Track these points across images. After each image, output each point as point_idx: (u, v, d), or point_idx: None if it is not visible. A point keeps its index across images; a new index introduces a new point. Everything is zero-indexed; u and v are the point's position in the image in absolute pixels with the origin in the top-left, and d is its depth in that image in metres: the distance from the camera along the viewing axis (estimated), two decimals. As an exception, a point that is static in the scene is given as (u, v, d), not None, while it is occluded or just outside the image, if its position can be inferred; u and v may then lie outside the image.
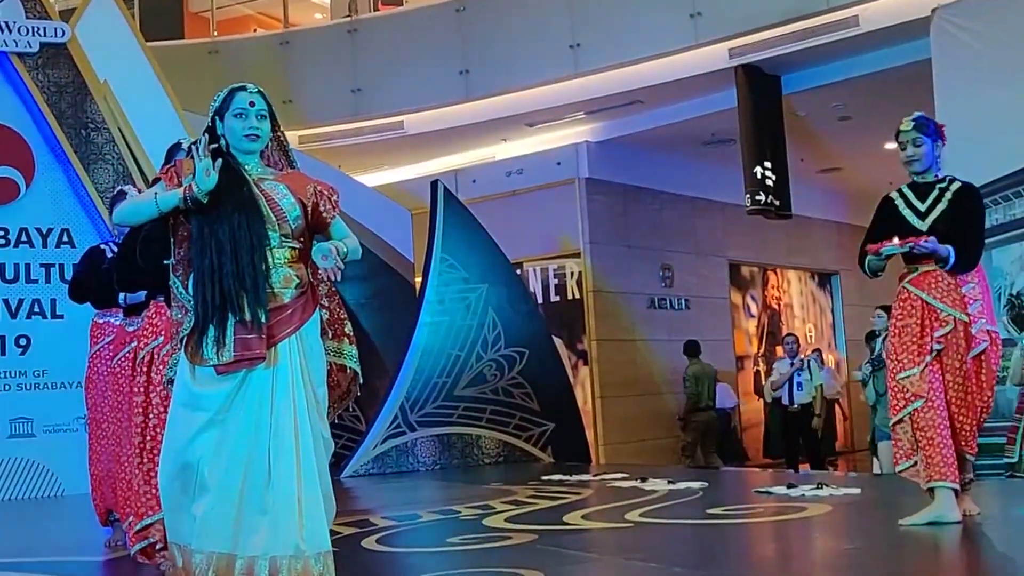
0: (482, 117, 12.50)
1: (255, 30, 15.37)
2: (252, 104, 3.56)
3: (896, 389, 4.90)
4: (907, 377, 4.86)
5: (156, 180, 3.70)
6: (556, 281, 13.10)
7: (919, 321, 4.89)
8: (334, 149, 12.77)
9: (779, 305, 16.19)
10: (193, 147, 3.55)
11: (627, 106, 12.15)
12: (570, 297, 12.93)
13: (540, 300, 12.92)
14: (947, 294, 4.88)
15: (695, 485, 7.04)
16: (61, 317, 9.37)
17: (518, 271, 12.23)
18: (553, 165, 12.94)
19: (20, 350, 9.41)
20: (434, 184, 10.44)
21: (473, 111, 12.50)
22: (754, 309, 15.61)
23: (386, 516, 6.33)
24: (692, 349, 12.36)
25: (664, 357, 12.17)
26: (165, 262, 3.65)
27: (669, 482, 7.20)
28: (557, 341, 11.36)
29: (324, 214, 3.64)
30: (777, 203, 11.35)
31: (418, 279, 10.84)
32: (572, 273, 12.93)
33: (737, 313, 15.18)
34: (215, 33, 14.04)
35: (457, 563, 4.65)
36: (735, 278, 15.19)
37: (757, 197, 11.15)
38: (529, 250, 12.97)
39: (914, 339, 4.90)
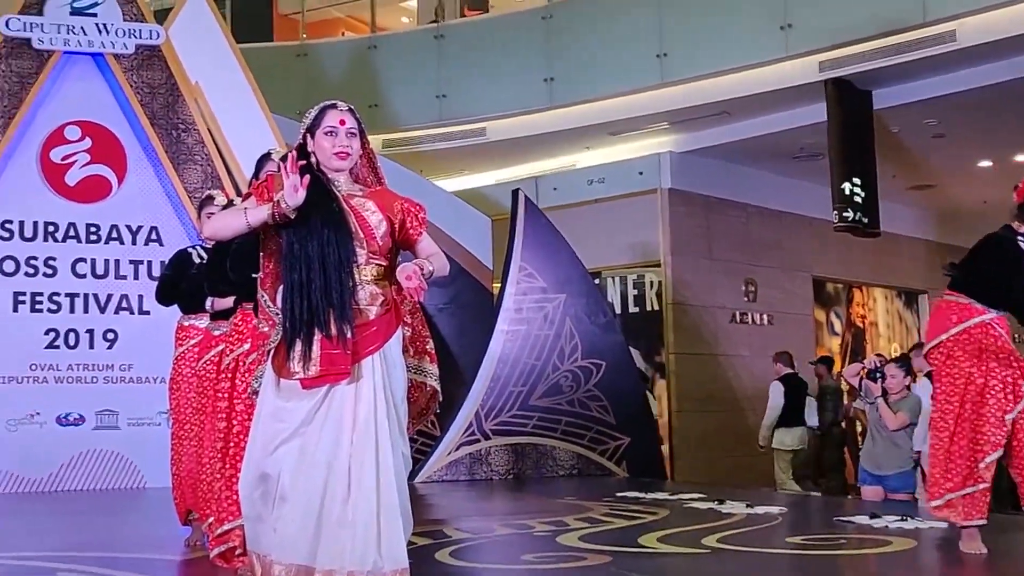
0: (565, 125, 12.45)
1: (343, 33, 15.50)
2: (343, 122, 3.60)
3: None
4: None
5: (247, 195, 3.75)
6: (635, 292, 13.02)
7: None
8: (416, 154, 12.83)
9: (864, 323, 15.92)
10: (282, 163, 3.59)
11: (713, 117, 12.02)
12: (649, 309, 12.83)
13: (618, 311, 12.85)
14: None
15: (774, 510, 6.93)
16: (148, 313, 9.54)
17: (596, 280, 12.18)
18: (635, 174, 12.85)
19: (107, 344, 9.62)
20: (515, 192, 10.45)
21: (556, 119, 12.46)
22: (838, 327, 15.37)
23: (460, 528, 6.33)
24: (829, 362, 12.31)
25: (744, 373, 12.02)
26: (254, 275, 3.71)
27: (748, 505, 7.08)
28: (635, 353, 11.28)
29: (411, 231, 3.66)
30: (865, 220, 11.15)
31: (496, 286, 10.85)
32: (652, 284, 12.84)
33: (821, 331, 14.95)
34: (304, 36, 14.18)
35: (531, 582, 4.64)
36: (819, 295, 14.96)
37: (845, 214, 10.97)
38: (608, 260, 12.90)
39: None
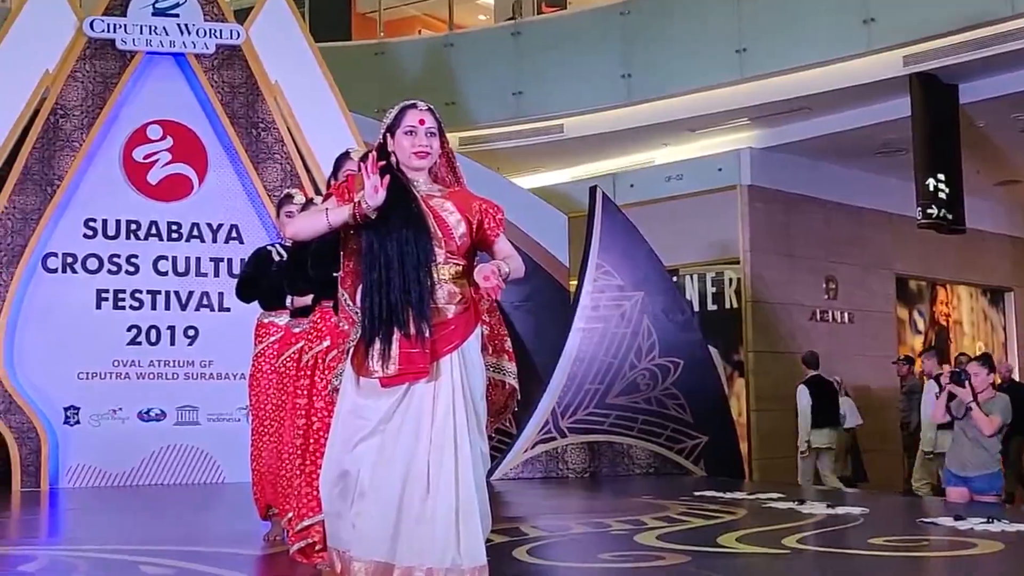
0: (643, 121, 12.37)
1: (420, 31, 15.56)
2: (422, 122, 3.61)
3: None
4: None
5: (328, 195, 3.78)
6: (714, 289, 12.89)
7: None
8: (493, 151, 12.83)
9: (948, 322, 15.59)
10: (362, 163, 3.61)
11: (793, 112, 11.86)
12: (727, 306, 12.70)
13: (696, 308, 12.73)
14: None
15: (855, 511, 6.81)
16: (228, 310, 9.67)
17: (674, 278, 12.08)
18: (714, 171, 12.72)
19: (188, 340, 9.76)
20: (592, 189, 10.41)
21: (634, 115, 12.38)
22: (921, 325, 15.07)
23: (536, 526, 6.31)
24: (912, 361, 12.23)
25: (825, 372, 11.80)
26: (334, 274, 3.74)
27: (828, 506, 6.97)
28: (712, 351, 11.16)
29: (488, 232, 3.67)
30: (950, 217, 10.92)
31: (572, 283, 10.81)
32: (730, 282, 12.70)
33: (903, 329, 14.67)
34: (382, 34, 14.26)
35: (608, 582, 4.61)
36: (902, 292, 14.68)
37: (929, 211, 10.75)
38: (686, 257, 12.79)
39: None
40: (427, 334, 3.43)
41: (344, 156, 4.89)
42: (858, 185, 13.46)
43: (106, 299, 9.65)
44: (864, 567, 5.09)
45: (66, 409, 9.38)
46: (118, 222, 9.74)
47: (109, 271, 9.67)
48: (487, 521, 3.48)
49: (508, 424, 9.14)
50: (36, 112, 9.56)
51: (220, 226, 9.93)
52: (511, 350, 3.87)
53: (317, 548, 4.38)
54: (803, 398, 10.90)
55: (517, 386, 3.85)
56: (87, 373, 9.48)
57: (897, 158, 12.17)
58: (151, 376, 9.63)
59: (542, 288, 10.28)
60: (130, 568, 5.02)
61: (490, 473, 9.00)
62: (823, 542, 5.64)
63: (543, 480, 9.49)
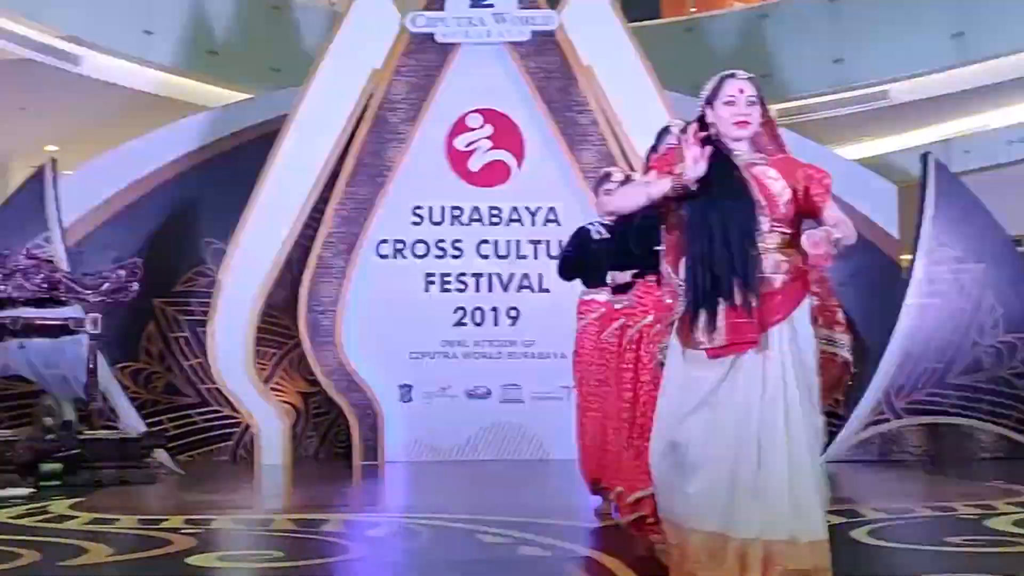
0: (977, 82, 11.63)
1: (732, 4, 15.28)
2: (742, 91, 3.55)
3: None
4: None
5: (648, 169, 3.77)
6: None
7: None
8: (812, 122, 12.42)
9: None
10: (682, 135, 3.57)
11: None
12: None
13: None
14: None
15: None
16: (548, 291, 9.86)
17: (1021, 248, 11.25)
18: (1061, 131, 11.77)
19: (510, 321, 10.04)
20: (924, 156, 9.88)
21: (967, 76, 11.66)
22: None
23: (874, 507, 6.05)
24: None
25: None
26: (656, 248, 3.72)
27: None
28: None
29: (815, 199, 3.54)
30: None
31: (904, 258, 10.30)
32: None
33: None
34: (693, 10, 14.10)
35: (957, 565, 4.35)
36: None
37: None
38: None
39: None
40: (754, 304, 3.37)
41: (664, 130, 4.86)
42: None
43: (433, 282, 10.08)
44: None
45: (400, 387, 9.89)
46: (443, 208, 10.14)
47: (436, 256, 10.09)
48: (825, 495, 3.40)
49: (835, 404, 8.88)
50: (365, 107, 10.09)
51: (538, 209, 10.13)
52: (843, 321, 3.73)
53: (649, 521, 4.39)
54: None
55: (851, 359, 3.69)
56: (418, 353, 9.94)
57: None
58: (477, 356, 9.98)
59: (869, 264, 9.83)
60: (468, 536, 5.22)
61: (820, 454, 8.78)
62: None
63: (877, 463, 9.11)
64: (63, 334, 8.70)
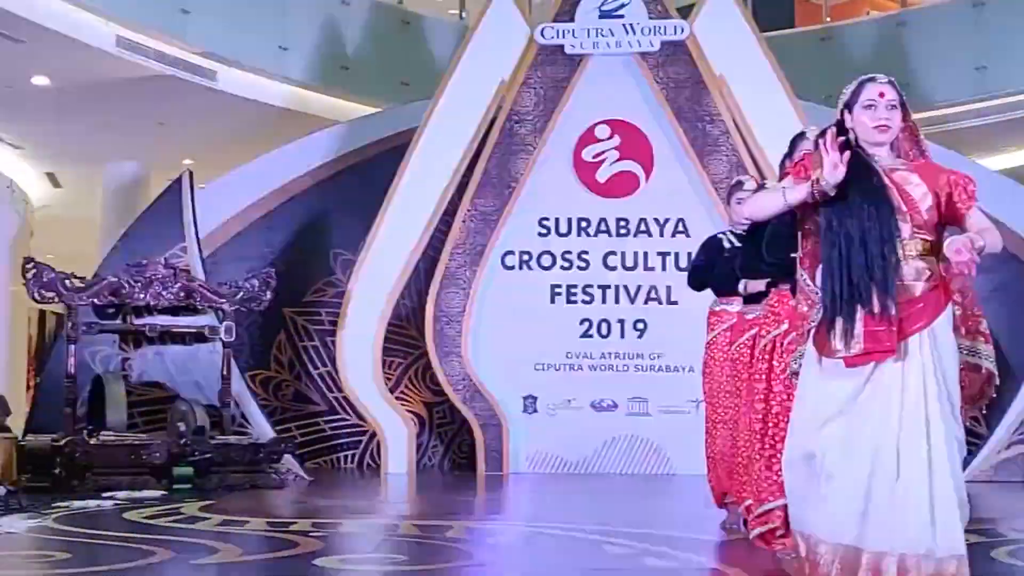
0: None
1: (867, 12, 14.94)
2: (882, 95, 3.48)
3: None
4: None
5: (784, 175, 3.71)
6: None
7: None
8: (954, 131, 12.02)
9: None
10: (820, 140, 3.51)
11: None
12: None
13: None
14: None
15: None
16: (676, 304, 9.75)
17: None
18: None
19: (637, 334, 9.95)
20: (1072, 167, 9.49)
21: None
22: None
23: (1016, 528, 5.80)
24: None
25: None
26: (792, 255, 3.66)
27: None
28: None
29: (959, 205, 3.46)
30: None
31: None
32: None
33: None
34: (828, 19, 13.83)
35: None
36: None
37: None
38: None
39: None
40: (893, 311, 3.29)
41: (800, 136, 4.79)
42: None
43: (559, 294, 10.05)
44: None
45: (524, 398, 9.89)
46: (569, 220, 10.11)
47: (562, 267, 10.06)
48: (965, 510, 3.30)
49: (976, 423, 8.57)
50: (494, 119, 10.13)
51: (667, 220, 10.03)
52: (987, 332, 3.63)
53: (778, 533, 4.31)
54: None
55: (995, 371, 3.59)
56: (543, 364, 9.92)
57: None
58: (603, 368, 9.91)
59: (1016, 277, 9.47)
60: (593, 546, 5.17)
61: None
62: None
63: (1021, 484, 8.76)
64: (198, 342, 8.95)
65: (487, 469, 9.68)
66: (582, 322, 10.00)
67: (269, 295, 8.97)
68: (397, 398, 10.03)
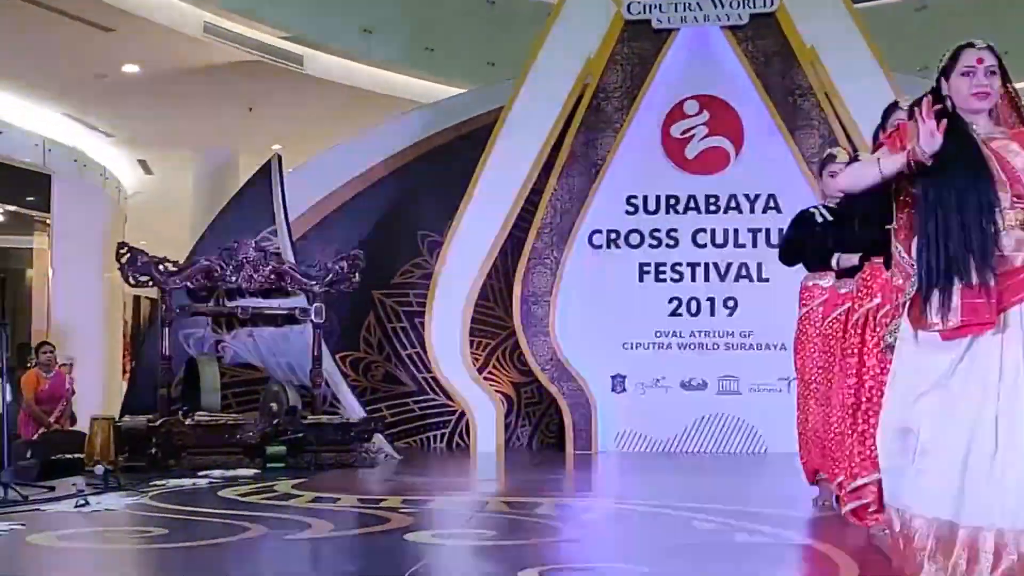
0: None
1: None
2: (980, 61, 3.37)
3: None
4: None
5: (879, 145, 3.63)
6: None
7: None
8: (1054, 101, 11.65)
9: None
10: (915, 109, 3.42)
11: None
12: None
13: None
14: None
15: None
16: (767, 281, 9.62)
17: None
18: None
19: (728, 311, 9.83)
20: None
21: None
22: None
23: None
24: None
25: None
26: (887, 227, 3.57)
27: None
28: None
29: None
30: None
31: None
32: None
33: None
34: (922, -11, 13.49)
35: None
36: None
37: None
38: None
39: None
40: (992, 283, 3.20)
41: (893, 106, 4.70)
42: None
43: (648, 272, 9.97)
44: None
45: (613, 378, 9.84)
46: (657, 197, 10.02)
47: (650, 245, 9.97)
48: None
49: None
50: (580, 97, 10.07)
51: (757, 196, 9.88)
52: (1091, 305, 3.47)
53: (871, 509, 4.24)
54: None
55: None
56: (631, 343, 9.86)
57: None
58: (692, 347, 9.82)
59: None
60: (682, 522, 5.14)
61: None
62: None
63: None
64: (289, 323, 9.05)
65: (575, 448, 9.67)
66: (671, 300, 9.91)
67: (357, 277, 9.04)
68: (485, 378, 10.06)
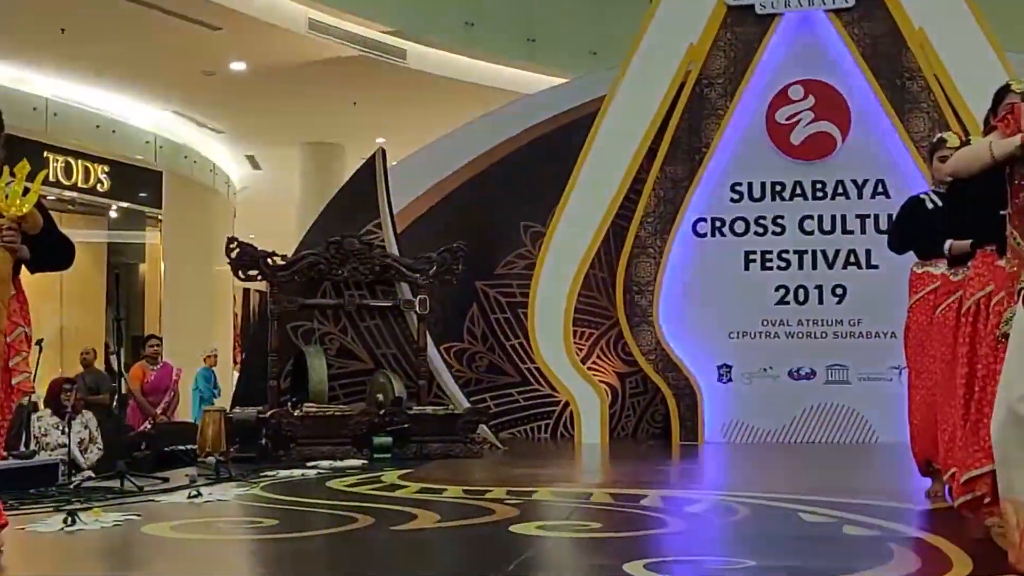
0: None
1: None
2: None
3: None
4: None
5: (990, 129, 3.53)
6: None
7: None
8: None
9: None
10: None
11: None
12: None
13: None
14: None
15: None
16: (876, 267, 9.45)
17: None
18: None
19: (836, 299, 9.68)
20: None
21: None
22: None
23: None
24: None
25: None
26: (1001, 212, 3.49)
27: None
28: None
29: None
30: None
31: None
32: None
33: None
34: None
35: None
36: None
37: None
38: None
39: None
40: (1111, 270, 3.08)
41: (1004, 88, 4.50)
42: None
43: (754, 260, 9.85)
44: None
45: (719, 367, 9.75)
46: (763, 184, 9.90)
47: (756, 233, 9.86)
48: None
49: None
50: (682, 84, 9.98)
51: (865, 182, 9.70)
52: None
53: (985, 501, 4.10)
54: None
55: None
56: (737, 332, 9.76)
57: None
58: (799, 335, 9.69)
59: None
60: (789, 514, 5.07)
61: None
62: None
63: None
64: (394, 315, 9.14)
65: (681, 439, 9.61)
66: (778, 288, 9.78)
67: (460, 269, 9.09)
68: (589, 368, 10.04)
